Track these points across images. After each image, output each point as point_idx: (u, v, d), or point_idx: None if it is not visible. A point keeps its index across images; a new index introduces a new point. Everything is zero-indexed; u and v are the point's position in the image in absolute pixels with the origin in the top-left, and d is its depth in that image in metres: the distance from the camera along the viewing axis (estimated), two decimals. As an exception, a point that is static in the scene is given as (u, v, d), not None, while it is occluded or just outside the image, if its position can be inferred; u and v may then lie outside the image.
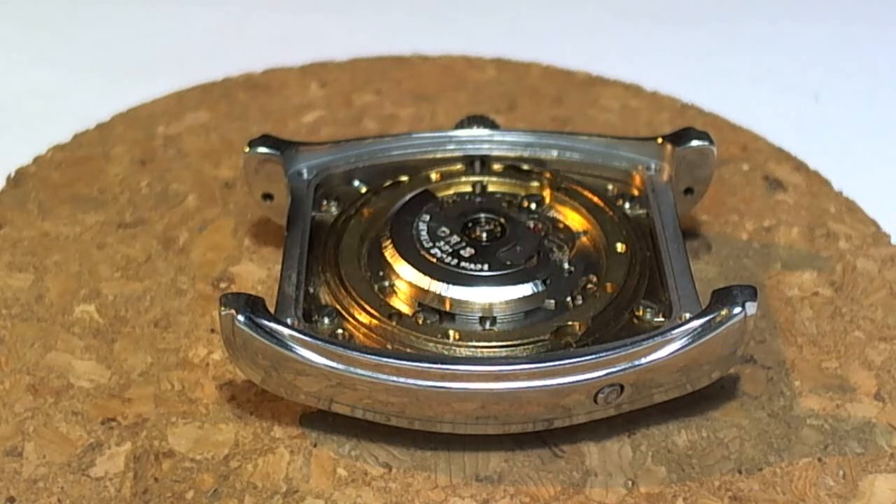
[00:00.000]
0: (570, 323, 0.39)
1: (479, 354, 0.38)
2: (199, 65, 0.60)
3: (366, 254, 0.42)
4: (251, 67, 0.60)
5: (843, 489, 0.37)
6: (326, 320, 0.39)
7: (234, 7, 0.67)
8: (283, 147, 0.44)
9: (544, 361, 0.36)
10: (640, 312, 0.39)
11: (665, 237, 0.42)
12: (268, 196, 0.45)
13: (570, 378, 0.36)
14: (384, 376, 0.36)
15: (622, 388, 0.37)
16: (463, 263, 0.40)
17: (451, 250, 0.41)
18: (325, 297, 0.40)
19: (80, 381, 0.41)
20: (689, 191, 0.45)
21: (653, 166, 0.45)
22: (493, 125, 0.47)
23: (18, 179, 0.51)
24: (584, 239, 0.42)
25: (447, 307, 0.39)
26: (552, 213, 0.44)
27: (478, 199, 0.44)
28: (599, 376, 0.36)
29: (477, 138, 0.46)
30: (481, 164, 0.46)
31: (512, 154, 0.46)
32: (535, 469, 0.38)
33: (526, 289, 0.39)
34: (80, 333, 0.43)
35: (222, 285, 0.46)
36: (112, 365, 0.42)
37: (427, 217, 0.42)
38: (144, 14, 0.67)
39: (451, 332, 0.38)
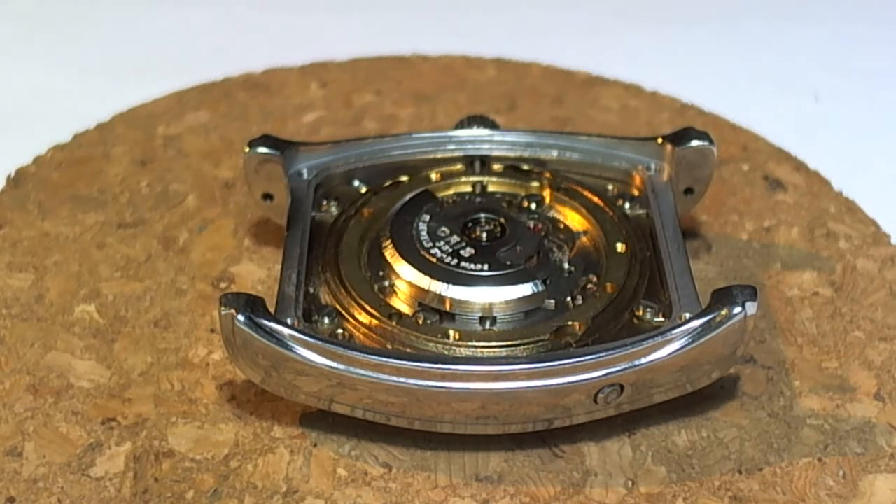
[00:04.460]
0: (570, 323, 0.39)
1: (479, 354, 0.38)
2: (199, 65, 0.60)
3: (366, 254, 0.42)
4: (251, 67, 0.60)
5: (843, 489, 0.37)
6: (326, 320, 0.39)
7: (234, 7, 0.67)
8: (283, 147, 0.44)
9: (544, 361, 0.36)
10: (640, 312, 0.39)
11: (665, 237, 0.42)
12: (268, 196, 0.45)
13: (570, 378, 0.36)
14: (384, 376, 0.36)
15: (622, 388, 0.37)
16: (463, 263, 0.40)
17: (451, 250, 0.41)
18: (325, 297, 0.40)
19: (80, 381, 0.41)
20: (689, 191, 0.45)
21: (653, 166, 0.45)
22: (493, 125, 0.47)
23: (18, 179, 0.51)
24: (584, 239, 0.42)
25: (447, 307, 0.39)
26: (552, 213, 0.44)
27: (478, 199, 0.44)
28: (599, 376, 0.36)
29: (477, 138, 0.46)
30: (481, 164, 0.46)
31: (512, 154, 0.46)
32: (535, 469, 0.38)
33: (526, 289, 0.39)
34: (80, 333, 0.43)
35: (222, 285, 0.46)
36: (112, 365, 0.42)
37: (427, 217, 0.42)
38: (144, 14, 0.67)
39: (451, 332, 0.38)
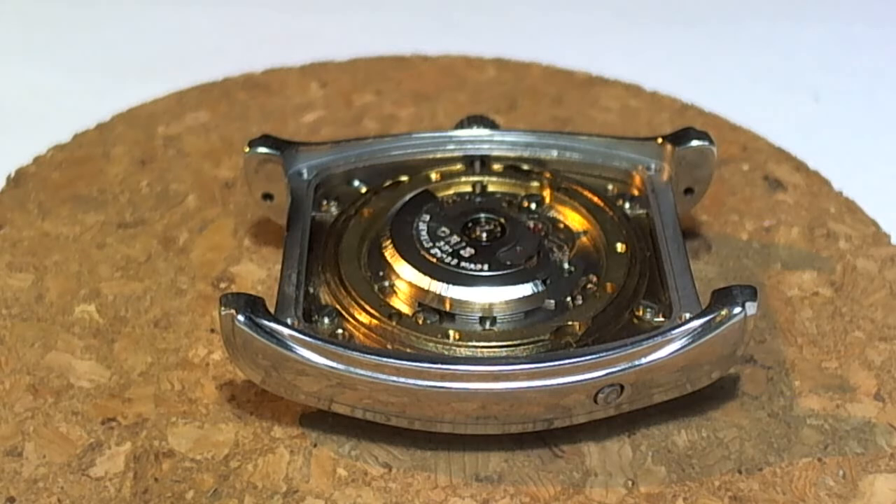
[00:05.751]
0: (570, 323, 0.39)
1: (479, 354, 0.38)
2: (199, 65, 0.60)
3: (366, 254, 0.42)
4: (251, 67, 0.60)
5: (843, 489, 0.37)
6: (326, 320, 0.39)
7: (234, 7, 0.67)
8: (283, 147, 0.44)
9: (544, 361, 0.36)
10: (640, 312, 0.39)
11: (665, 237, 0.42)
12: (268, 196, 0.45)
13: (570, 378, 0.36)
14: (384, 376, 0.36)
15: (622, 388, 0.37)
16: (463, 263, 0.40)
17: (451, 250, 0.41)
18: (325, 297, 0.40)
19: (80, 381, 0.41)
20: (689, 191, 0.45)
21: (653, 166, 0.45)
22: (493, 125, 0.47)
23: (18, 179, 0.51)
24: (584, 239, 0.42)
25: (447, 307, 0.39)
26: (552, 213, 0.44)
27: (478, 199, 0.44)
28: (599, 376, 0.36)
29: (477, 138, 0.46)
30: (481, 164, 0.46)
31: (512, 154, 0.46)
32: (535, 469, 0.38)
33: (526, 289, 0.39)
34: (80, 333, 0.43)
35: (222, 285, 0.46)
36: (112, 365, 0.42)
37: (427, 217, 0.42)
38: (144, 14, 0.67)
39: (451, 332, 0.38)
